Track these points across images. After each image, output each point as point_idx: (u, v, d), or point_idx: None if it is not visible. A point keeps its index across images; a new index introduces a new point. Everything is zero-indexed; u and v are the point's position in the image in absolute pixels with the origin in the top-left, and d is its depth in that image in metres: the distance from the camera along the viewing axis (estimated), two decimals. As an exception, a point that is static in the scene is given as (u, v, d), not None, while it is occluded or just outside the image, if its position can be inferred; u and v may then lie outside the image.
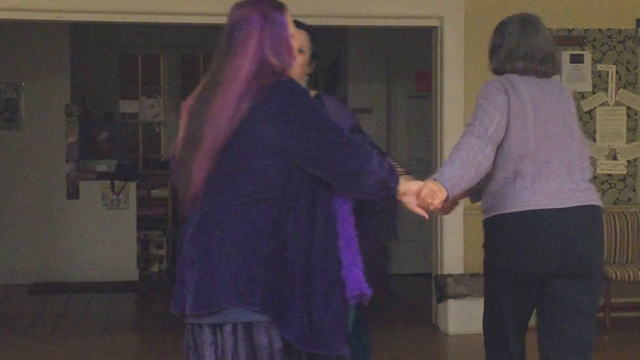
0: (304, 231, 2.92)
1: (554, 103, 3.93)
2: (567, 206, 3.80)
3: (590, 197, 3.88)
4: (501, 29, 4.10)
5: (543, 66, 3.96)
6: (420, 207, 3.30)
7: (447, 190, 3.56)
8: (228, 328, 2.87)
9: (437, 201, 3.43)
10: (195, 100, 2.99)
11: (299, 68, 3.91)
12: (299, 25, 4.02)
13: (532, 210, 3.78)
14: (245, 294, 2.84)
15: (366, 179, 2.96)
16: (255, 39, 2.93)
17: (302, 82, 3.99)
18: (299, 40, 3.95)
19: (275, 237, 2.88)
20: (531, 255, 3.80)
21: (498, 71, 4.02)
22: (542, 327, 3.97)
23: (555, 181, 3.82)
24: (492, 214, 3.87)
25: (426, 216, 3.38)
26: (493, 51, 4.07)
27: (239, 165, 2.88)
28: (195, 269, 2.89)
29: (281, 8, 3.02)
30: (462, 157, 3.69)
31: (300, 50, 3.95)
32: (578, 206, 3.82)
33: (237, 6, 3.01)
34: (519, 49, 3.98)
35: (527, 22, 4.07)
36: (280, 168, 2.89)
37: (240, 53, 2.92)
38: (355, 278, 3.05)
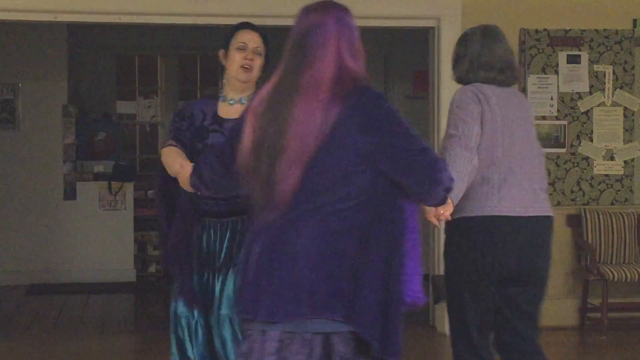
0: (386, 240, 2.91)
1: (517, 112, 4.12)
2: (529, 215, 4.03)
3: (547, 207, 4.13)
4: (464, 40, 4.25)
5: (502, 75, 4.13)
6: (434, 216, 3.55)
7: (453, 202, 3.74)
8: (305, 337, 2.84)
9: (448, 212, 3.63)
10: (267, 106, 2.93)
11: (257, 71, 3.98)
12: (252, 27, 4.05)
13: (498, 216, 3.98)
14: (328, 304, 2.82)
15: (439, 186, 2.96)
16: (333, 44, 2.91)
17: (253, 85, 4.00)
18: (254, 42, 3.99)
19: (360, 246, 2.86)
20: (494, 258, 4.00)
21: (462, 80, 4.19)
22: (498, 326, 4.18)
23: (519, 189, 4.02)
24: (458, 216, 4.02)
25: (438, 225, 3.69)
26: (456, 61, 4.24)
27: (327, 172, 2.84)
28: (275, 276, 2.84)
29: (349, 11, 3.02)
30: (458, 169, 3.84)
31: (258, 53, 3.99)
32: (537, 216, 4.06)
33: (308, 11, 2.99)
34: (481, 59, 4.13)
35: (488, 34, 4.22)
36: (367, 174, 2.87)
37: (320, 58, 2.89)
38: (415, 286, 3.05)
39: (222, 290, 3.87)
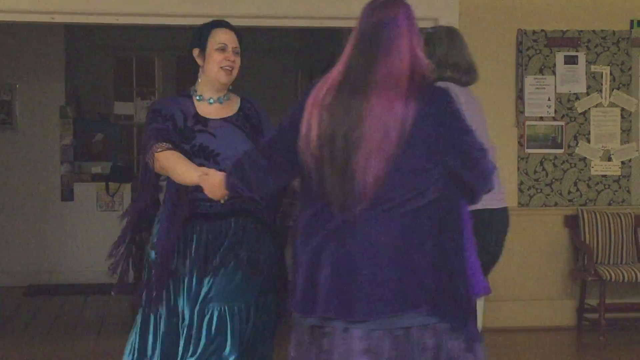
0: (455, 234, 2.96)
1: (477, 111, 4.30)
2: (500, 207, 4.30)
3: (505, 200, 4.40)
4: (430, 40, 4.36)
5: (467, 76, 4.33)
6: None
7: None
8: (394, 333, 2.87)
9: None
10: (336, 98, 2.92)
11: (236, 71, 3.90)
12: (229, 26, 3.96)
13: (480, 210, 4.07)
14: (415, 298, 2.85)
15: (489, 187, 3.05)
16: (406, 39, 2.93)
17: (227, 85, 3.92)
18: (234, 41, 3.91)
19: (436, 240, 2.90)
20: (478, 250, 4.16)
21: None
22: None
23: None
24: None
25: None
26: None
27: (406, 167, 2.86)
28: (359, 275, 2.85)
29: (412, 9, 3.07)
30: None
31: (237, 53, 3.91)
32: (504, 207, 4.35)
33: (375, 7, 3.00)
34: (449, 59, 4.29)
35: (454, 35, 4.40)
36: (439, 169, 2.91)
37: (394, 53, 2.91)
38: (480, 277, 3.12)
39: (209, 288, 3.78)
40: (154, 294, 3.87)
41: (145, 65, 12.16)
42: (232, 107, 3.96)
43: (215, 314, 3.73)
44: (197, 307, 3.77)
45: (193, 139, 3.82)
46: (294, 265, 3.02)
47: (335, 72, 2.96)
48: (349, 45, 2.98)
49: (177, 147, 3.78)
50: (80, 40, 10.68)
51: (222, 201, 3.47)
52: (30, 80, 9.60)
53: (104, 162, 10.15)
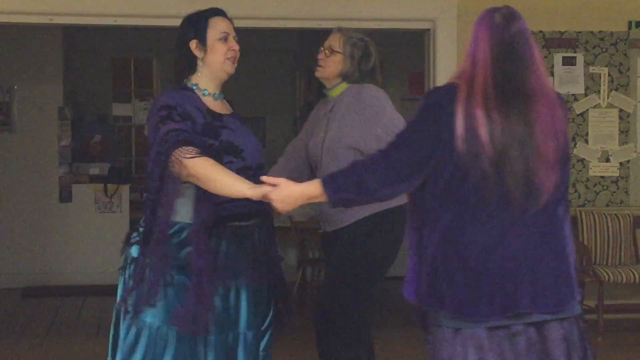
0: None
1: None
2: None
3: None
4: (374, 50, 4.63)
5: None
6: None
7: None
8: (571, 321, 3.05)
9: None
10: (501, 104, 2.96)
11: (234, 68, 3.70)
12: (225, 13, 3.74)
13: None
14: (575, 288, 3.05)
15: None
16: (537, 48, 3.09)
17: (230, 75, 3.70)
18: (232, 29, 3.70)
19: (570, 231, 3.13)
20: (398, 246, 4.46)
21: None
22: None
23: None
24: (368, 213, 4.35)
25: None
26: (379, 68, 4.62)
27: (560, 170, 3.01)
28: (546, 268, 2.98)
29: None
30: None
31: (237, 41, 3.71)
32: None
33: (505, 17, 3.10)
34: (381, 67, 4.61)
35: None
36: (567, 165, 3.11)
37: (536, 62, 3.04)
38: None
39: (247, 306, 3.55)
40: (201, 317, 3.47)
41: (143, 66, 12.16)
42: (228, 105, 3.75)
43: (243, 340, 3.57)
44: (230, 335, 3.56)
45: (219, 136, 3.50)
46: (439, 272, 2.98)
47: (482, 78, 2.98)
48: (486, 53, 3.02)
49: (203, 149, 3.39)
50: (79, 42, 10.68)
51: (289, 214, 3.35)
52: (28, 81, 9.60)
53: (102, 164, 10.16)
